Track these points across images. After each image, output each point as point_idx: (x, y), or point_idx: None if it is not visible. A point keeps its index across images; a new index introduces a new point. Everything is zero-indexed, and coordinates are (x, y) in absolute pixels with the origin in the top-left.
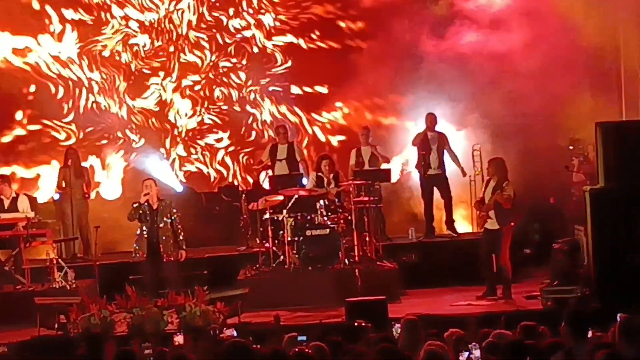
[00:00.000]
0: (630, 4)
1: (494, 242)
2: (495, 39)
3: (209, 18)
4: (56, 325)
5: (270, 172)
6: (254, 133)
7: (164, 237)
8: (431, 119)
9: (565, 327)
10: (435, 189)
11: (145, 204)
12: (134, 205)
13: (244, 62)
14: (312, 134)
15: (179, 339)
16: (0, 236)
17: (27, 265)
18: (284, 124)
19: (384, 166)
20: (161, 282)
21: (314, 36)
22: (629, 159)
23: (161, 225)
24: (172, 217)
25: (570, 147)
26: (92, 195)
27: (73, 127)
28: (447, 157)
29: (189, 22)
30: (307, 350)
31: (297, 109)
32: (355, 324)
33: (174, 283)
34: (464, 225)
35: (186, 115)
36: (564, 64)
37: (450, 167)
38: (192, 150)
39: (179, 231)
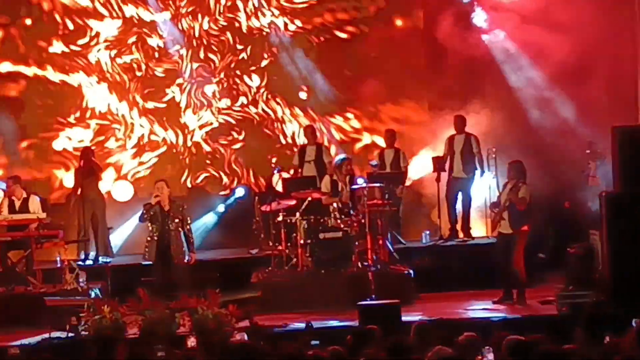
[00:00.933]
0: None
1: (508, 246)
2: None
3: (223, 19)
4: (67, 327)
5: (284, 174)
6: (267, 135)
7: (174, 240)
8: (457, 121)
9: (580, 332)
10: (459, 194)
11: (157, 205)
12: (145, 207)
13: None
14: (329, 136)
15: (191, 342)
16: (12, 237)
17: (39, 267)
18: (312, 125)
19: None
20: (171, 284)
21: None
22: None
23: (172, 227)
24: (184, 220)
25: (587, 151)
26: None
27: (87, 127)
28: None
29: (202, 23)
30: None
31: (311, 112)
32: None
33: (184, 286)
34: (480, 229)
35: (199, 116)
36: (582, 68)
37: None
38: (205, 152)
39: (190, 234)
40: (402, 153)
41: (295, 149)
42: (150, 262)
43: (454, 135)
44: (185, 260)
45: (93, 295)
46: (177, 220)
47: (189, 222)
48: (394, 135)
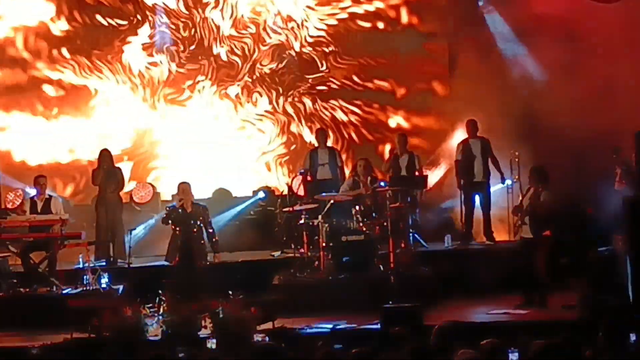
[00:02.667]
0: None
1: (530, 251)
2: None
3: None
4: (89, 328)
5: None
6: (290, 137)
7: (196, 242)
8: (469, 125)
9: (602, 337)
10: (477, 197)
11: (180, 208)
12: (168, 209)
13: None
14: (348, 138)
15: (212, 344)
16: (34, 238)
17: (61, 268)
18: (324, 128)
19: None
20: (193, 286)
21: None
22: None
23: (195, 230)
24: (206, 222)
25: (614, 156)
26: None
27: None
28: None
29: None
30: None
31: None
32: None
33: (206, 288)
34: (503, 233)
35: (222, 118)
36: (607, 76)
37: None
38: (230, 154)
39: (213, 235)
40: (417, 157)
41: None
42: (172, 264)
43: (467, 139)
44: (208, 262)
45: (115, 296)
46: (199, 223)
47: (211, 223)
48: (406, 139)
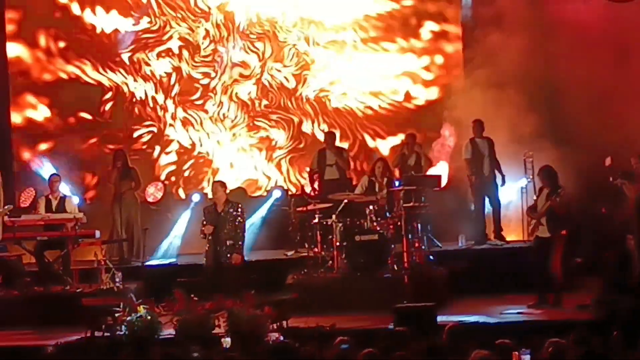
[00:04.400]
0: None
1: (546, 250)
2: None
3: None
4: (103, 327)
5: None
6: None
7: (223, 241)
8: (476, 126)
9: (617, 337)
10: (487, 197)
11: (212, 206)
12: (203, 209)
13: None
14: (361, 139)
15: (227, 343)
16: (49, 236)
17: (75, 266)
18: (332, 131)
19: (433, 170)
20: (218, 285)
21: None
22: None
23: (224, 228)
24: (236, 221)
25: (608, 164)
26: None
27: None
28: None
29: (239, 26)
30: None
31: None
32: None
33: (230, 287)
34: (517, 233)
35: (236, 118)
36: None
37: None
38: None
39: (241, 236)
40: (424, 156)
41: None
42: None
43: (474, 138)
44: (235, 261)
45: (129, 295)
46: (229, 222)
47: (242, 222)
48: (415, 138)
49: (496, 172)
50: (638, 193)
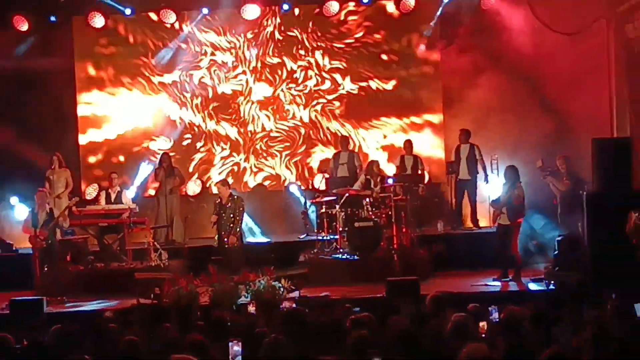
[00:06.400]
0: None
1: (506, 235)
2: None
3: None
4: (152, 296)
5: (326, 175)
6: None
7: (225, 227)
8: (462, 134)
9: (566, 303)
10: (465, 191)
11: (218, 200)
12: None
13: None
14: (359, 145)
15: (251, 309)
16: (109, 223)
17: (129, 247)
18: (347, 136)
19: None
20: (229, 262)
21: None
22: (617, 169)
23: (225, 218)
24: (236, 211)
25: (539, 165)
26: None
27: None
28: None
29: (262, 53)
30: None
31: (348, 125)
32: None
33: (235, 264)
34: (485, 220)
35: (261, 128)
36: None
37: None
38: (265, 156)
39: (238, 222)
40: (420, 159)
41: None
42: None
43: (460, 145)
44: (232, 243)
45: (172, 270)
46: (230, 212)
47: (241, 211)
48: (412, 144)
49: (480, 171)
50: (564, 189)
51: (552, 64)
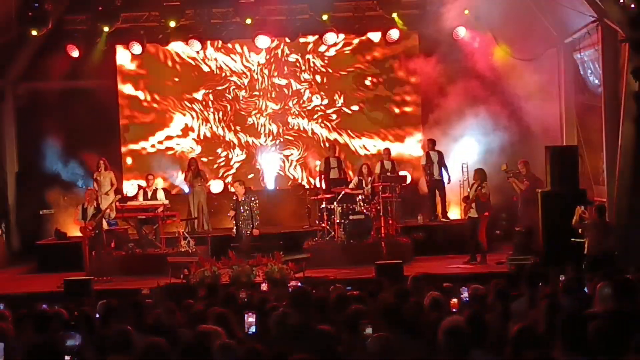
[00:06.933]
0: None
1: (475, 226)
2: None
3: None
4: (182, 276)
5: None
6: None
7: (242, 220)
8: (429, 143)
9: (524, 282)
10: (436, 190)
11: (235, 197)
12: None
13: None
14: (352, 150)
15: (263, 287)
16: (146, 216)
17: (163, 236)
18: (333, 143)
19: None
20: (240, 249)
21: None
22: (567, 171)
23: (241, 212)
24: (251, 206)
25: (504, 168)
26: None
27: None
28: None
29: (271, 74)
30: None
31: (344, 134)
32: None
33: (249, 250)
34: (457, 213)
35: (271, 136)
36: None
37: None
38: (275, 161)
39: (256, 216)
40: (395, 163)
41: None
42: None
43: (428, 151)
44: (249, 233)
45: (199, 255)
46: (246, 207)
47: (255, 207)
48: (389, 151)
49: (444, 173)
50: (524, 188)
51: (514, 84)
